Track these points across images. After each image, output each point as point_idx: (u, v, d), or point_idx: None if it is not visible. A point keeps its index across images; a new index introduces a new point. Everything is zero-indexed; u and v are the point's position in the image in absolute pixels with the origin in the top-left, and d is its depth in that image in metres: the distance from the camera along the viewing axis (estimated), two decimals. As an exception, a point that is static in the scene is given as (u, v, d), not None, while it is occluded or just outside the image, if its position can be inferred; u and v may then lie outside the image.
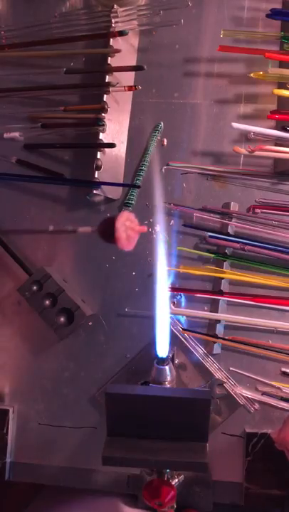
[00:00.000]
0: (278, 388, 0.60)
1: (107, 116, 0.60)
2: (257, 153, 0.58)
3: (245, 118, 0.62)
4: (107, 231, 0.43)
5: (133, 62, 0.63)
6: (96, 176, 0.59)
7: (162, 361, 0.54)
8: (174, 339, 0.61)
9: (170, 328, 0.58)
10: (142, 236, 0.62)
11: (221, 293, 0.60)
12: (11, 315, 0.65)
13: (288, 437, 0.52)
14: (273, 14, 0.57)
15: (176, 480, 0.56)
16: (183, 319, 0.62)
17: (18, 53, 0.64)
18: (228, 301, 0.61)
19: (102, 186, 0.61)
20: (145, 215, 0.63)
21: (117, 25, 0.61)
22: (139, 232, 0.45)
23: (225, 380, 0.60)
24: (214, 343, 0.60)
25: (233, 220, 0.61)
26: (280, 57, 0.58)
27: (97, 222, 0.62)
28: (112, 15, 0.61)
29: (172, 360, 0.59)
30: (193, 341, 0.61)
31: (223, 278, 0.60)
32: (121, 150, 0.63)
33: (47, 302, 0.60)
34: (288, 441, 0.52)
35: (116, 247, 0.44)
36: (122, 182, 0.63)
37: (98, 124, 0.60)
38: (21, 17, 0.65)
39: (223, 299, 0.60)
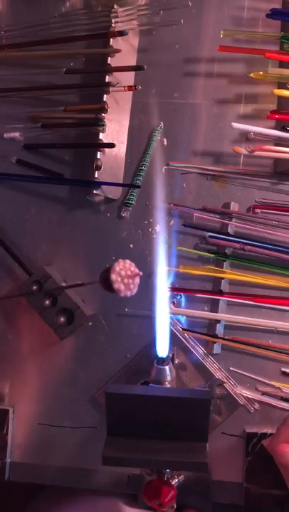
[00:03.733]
0: (278, 388, 0.60)
1: (107, 117, 0.60)
2: (257, 153, 0.58)
3: (245, 118, 0.61)
4: (106, 283, 0.44)
5: (133, 62, 0.63)
6: (96, 176, 0.59)
7: (162, 361, 0.54)
8: (174, 339, 0.61)
9: (170, 328, 0.59)
10: (142, 236, 0.63)
11: (221, 293, 0.60)
12: (11, 315, 0.65)
13: (278, 450, 0.51)
14: (273, 14, 0.57)
15: (176, 480, 0.56)
16: (183, 319, 0.62)
17: (18, 53, 0.64)
18: (228, 301, 0.61)
19: (102, 186, 0.61)
20: (145, 215, 0.63)
21: (117, 25, 0.61)
22: (138, 277, 0.45)
23: (225, 380, 0.60)
24: (214, 343, 0.60)
25: (233, 220, 0.61)
26: (280, 57, 0.58)
27: (97, 224, 0.63)
28: (112, 15, 0.61)
29: (172, 360, 0.59)
30: (193, 341, 0.61)
31: (223, 278, 0.60)
32: (121, 150, 0.63)
33: (47, 302, 0.60)
34: (278, 453, 0.51)
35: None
36: (122, 182, 0.63)
37: (98, 124, 0.60)
38: (21, 17, 0.65)
39: (223, 299, 0.60)
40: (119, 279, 0.44)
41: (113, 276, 0.43)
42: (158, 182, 0.62)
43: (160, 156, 0.63)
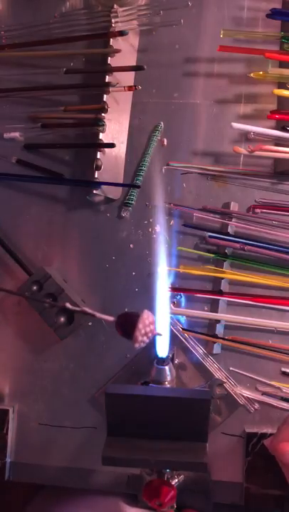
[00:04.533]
0: (278, 388, 0.60)
1: (107, 116, 0.60)
2: (257, 153, 0.58)
3: (245, 118, 0.62)
4: (123, 334, 0.45)
5: (133, 62, 0.63)
6: (96, 176, 0.59)
7: (162, 361, 0.54)
8: (174, 339, 0.61)
9: (170, 328, 0.59)
10: (142, 236, 0.63)
11: (221, 293, 0.60)
12: (11, 315, 0.65)
13: (280, 448, 0.51)
14: (273, 14, 0.57)
15: (176, 480, 0.56)
16: (183, 319, 0.62)
17: (18, 53, 0.64)
18: (228, 301, 0.61)
19: (102, 186, 0.61)
20: (145, 215, 0.63)
21: (117, 25, 0.61)
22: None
23: (225, 380, 0.60)
24: (214, 343, 0.60)
25: (233, 220, 0.61)
26: (280, 57, 0.58)
27: (97, 224, 0.63)
28: (112, 15, 0.61)
29: (172, 360, 0.59)
30: (193, 341, 0.61)
31: (223, 278, 0.60)
32: (121, 150, 0.63)
33: (47, 302, 0.61)
34: (279, 452, 0.51)
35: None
36: (122, 182, 0.63)
37: (98, 124, 0.60)
38: (21, 17, 0.65)
39: (223, 299, 0.60)
40: (141, 340, 0.45)
41: (136, 345, 0.45)
42: (158, 182, 0.62)
43: (160, 156, 0.63)
